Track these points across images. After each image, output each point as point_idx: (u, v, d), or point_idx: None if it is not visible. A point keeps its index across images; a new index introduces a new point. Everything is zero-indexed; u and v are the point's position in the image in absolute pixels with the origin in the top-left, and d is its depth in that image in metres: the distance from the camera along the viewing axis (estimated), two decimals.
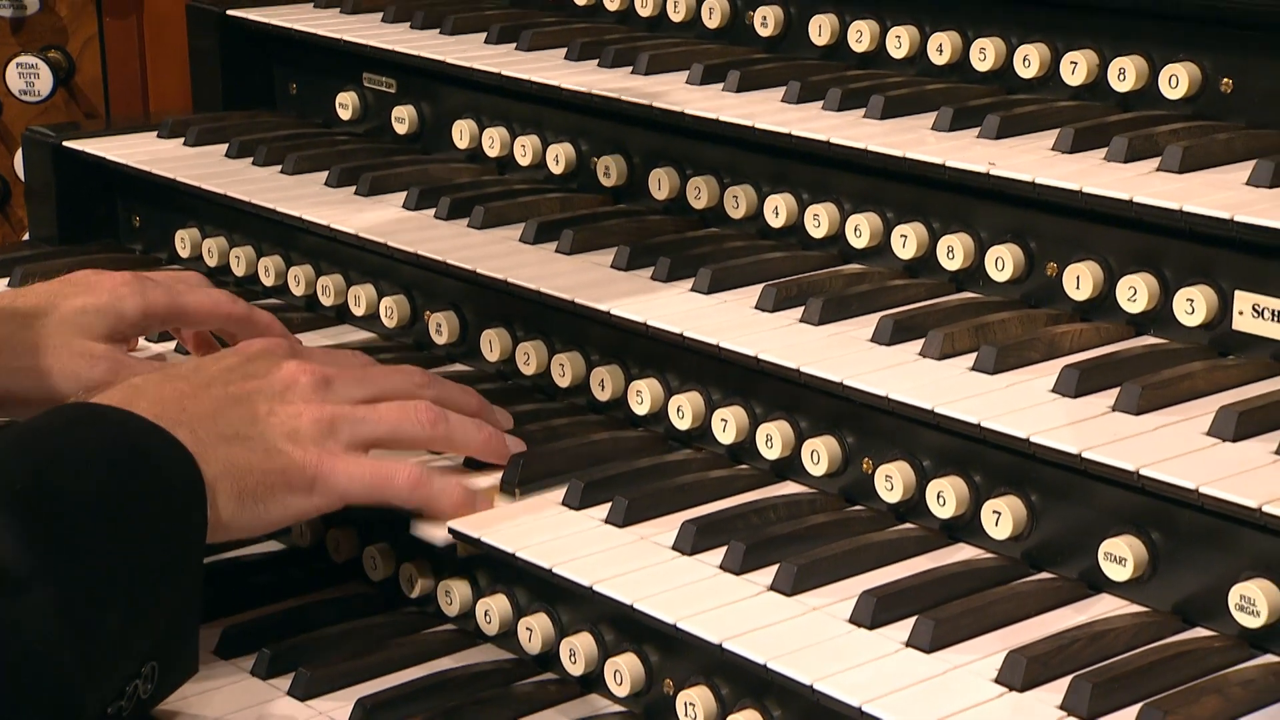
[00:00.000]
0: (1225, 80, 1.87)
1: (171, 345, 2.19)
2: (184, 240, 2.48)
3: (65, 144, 2.57)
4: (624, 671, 1.66)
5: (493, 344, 2.06)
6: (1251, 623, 1.48)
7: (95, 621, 1.45)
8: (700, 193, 2.11)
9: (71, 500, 1.49)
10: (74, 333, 1.88)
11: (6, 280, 2.44)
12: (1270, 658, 1.49)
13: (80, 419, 1.60)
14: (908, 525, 1.72)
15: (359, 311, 2.24)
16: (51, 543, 1.44)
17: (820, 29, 2.19)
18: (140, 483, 1.55)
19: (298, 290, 2.32)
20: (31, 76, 2.81)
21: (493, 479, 1.79)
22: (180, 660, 1.59)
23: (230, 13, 2.68)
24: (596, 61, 2.27)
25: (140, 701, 1.52)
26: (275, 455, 1.65)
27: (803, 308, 1.84)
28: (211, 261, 2.44)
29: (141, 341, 2.19)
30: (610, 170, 2.21)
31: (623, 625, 1.68)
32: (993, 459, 1.65)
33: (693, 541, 1.68)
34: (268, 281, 2.36)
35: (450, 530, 1.73)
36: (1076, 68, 1.96)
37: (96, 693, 1.46)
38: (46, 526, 1.45)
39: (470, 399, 1.84)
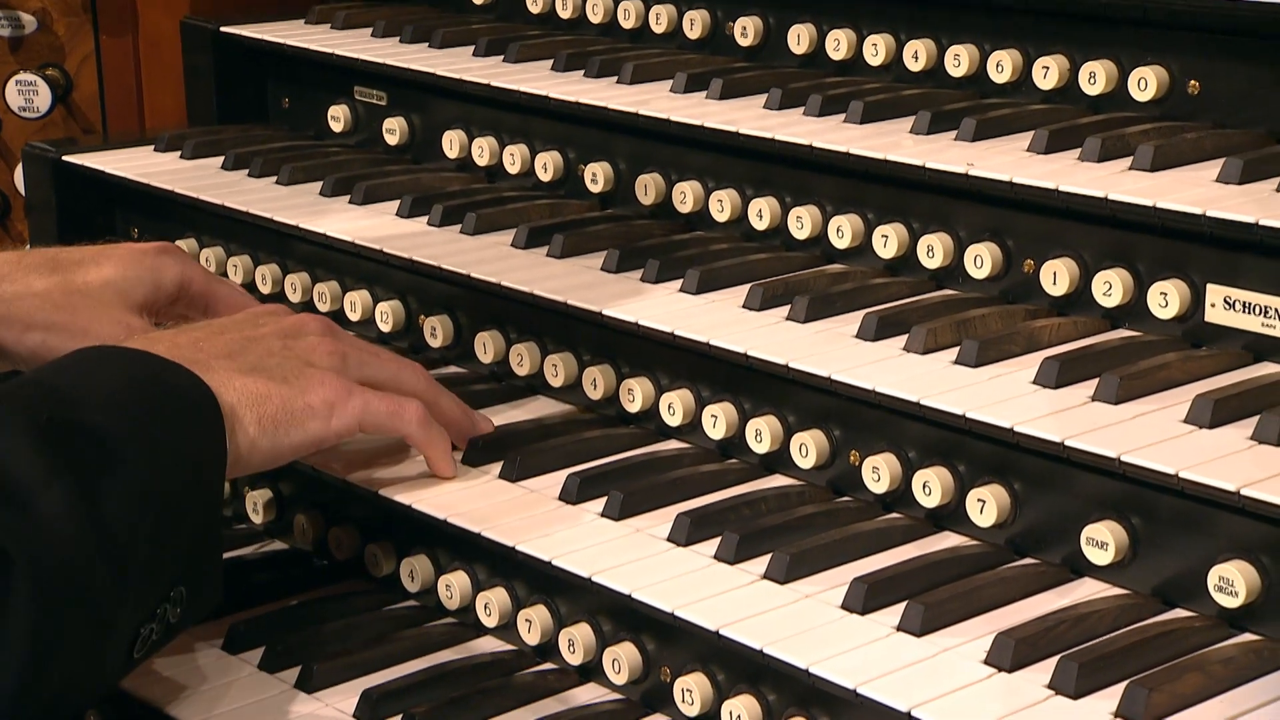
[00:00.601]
0: (1192, 82, 1.88)
1: None
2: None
3: (65, 158, 2.56)
4: (622, 660, 1.66)
5: (487, 346, 2.06)
6: (1230, 603, 1.49)
7: (125, 538, 1.46)
8: (685, 197, 2.11)
9: (95, 427, 1.49)
10: (114, 296, 1.88)
11: None
12: (1249, 636, 1.50)
13: (100, 357, 1.61)
14: (894, 515, 1.72)
15: (355, 317, 2.23)
16: (78, 464, 1.45)
17: (799, 38, 2.19)
18: (160, 409, 1.56)
19: (294, 297, 2.31)
20: (30, 93, 2.80)
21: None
22: (206, 586, 1.60)
23: (224, 29, 2.67)
24: (582, 72, 2.27)
25: (169, 626, 1.54)
26: (294, 381, 1.67)
27: (789, 306, 1.84)
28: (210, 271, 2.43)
29: None
30: (597, 177, 2.21)
31: (620, 615, 1.68)
32: (976, 449, 1.66)
33: (687, 533, 1.68)
34: (265, 289, 2.35)
35: (448, 522, 1.73)
36: (1048, 72, 1.96)
37: (129, 611, 1.48)
38: (72, 449, 1.46)
39: (456, 408, 1.88)
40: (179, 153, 2.56)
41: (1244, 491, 1.44)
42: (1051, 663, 1.44)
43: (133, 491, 1.48)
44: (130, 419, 1.53)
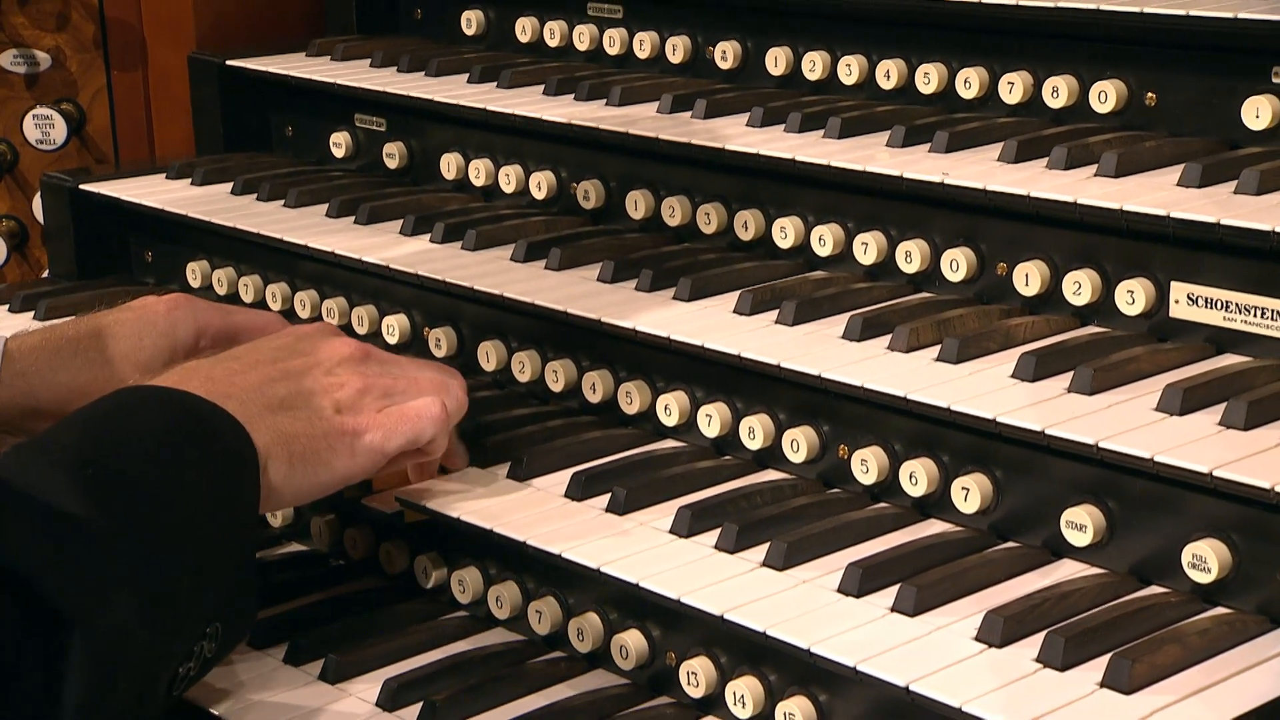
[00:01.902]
0: (1149, 95, 1.89)
1: None
2: (194, 272, 2.46)
3: (81, 187, 2.55)
4: (629, 646, 1.66)
5: (489, 355, 2.06)
6: (1204, 579, 1.49)
7: (169, 586, 1.43)
8: (674, 211, 2.11)
9: (134, 470, 1.47)
10: (133, 368, 1.83)
11: (31, 313, 2.42)
12: (1221, 609, 1.50)
13: (139, 398, 1.58)
14: (883, 504, 1.72)
15: (362, 331, 2.22)
16: (124, 515, 1.42)
17: (776, 60, 2.20)
18: (197, 451, 1.53)
19: (304, 313, 2.31)
20: (47, 127, 2.79)
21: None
22: (240, 619, 1.58)
23: (229, 63, 2.66)
24: (572, 95, 2.27)
25: (205, 661, 1.51)
26: (319, 421, 1.63)
27: (777, 310, 1.84)
28: (221, 291, 2.42)
29: None
30: (589, 194, 2.21)
31: (626, 604, 1.68)
32: (958, 440, 1.66)
33: (689, 525, 1.68)
34: (275, 307, 2.34)
35: (461, 520, 1.72)
36: (1013, 88, 1.97)
37: (172, 653, 1.45)
38: (118, 499, 1.43)
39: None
40: (189, 180, 2.55)
41: (1216, 473, 1.45)
42: (1038, 638, 1.44)
43: (174, 538, 1.45)
44: (168, 463, 1.49)
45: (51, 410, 1.79)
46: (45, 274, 2.71)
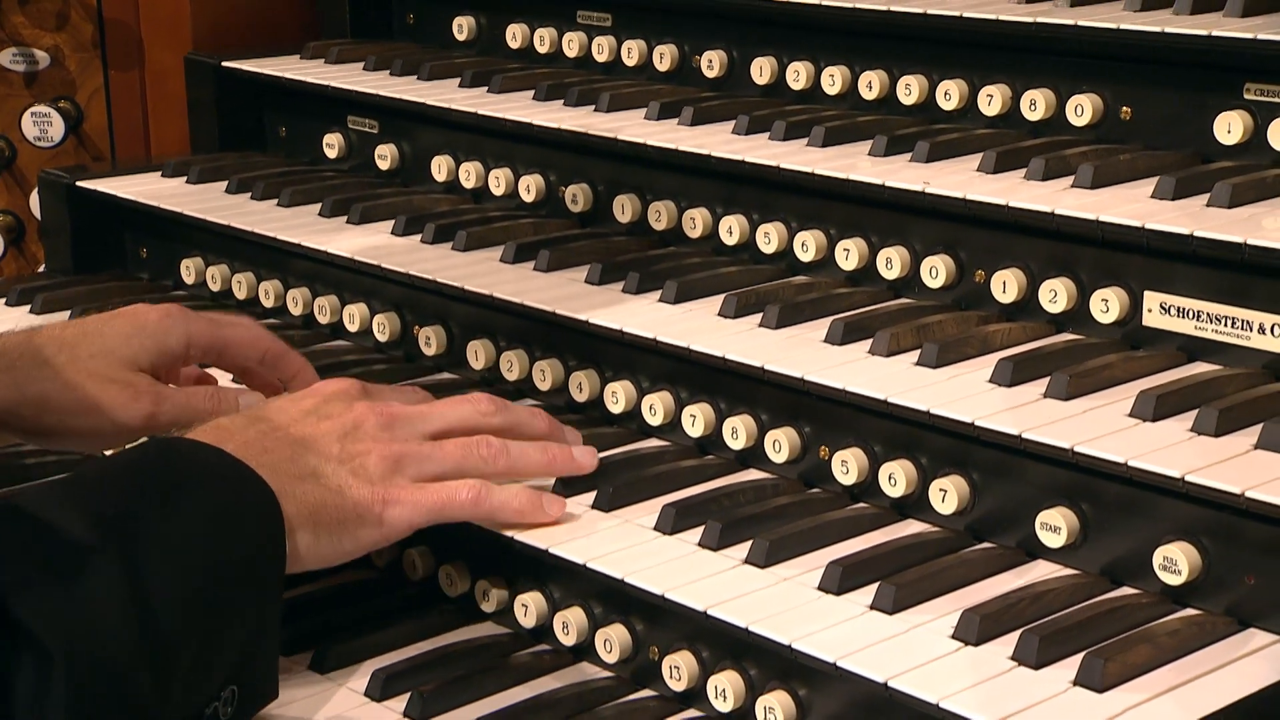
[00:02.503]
0: (1125, 109, 1.89)
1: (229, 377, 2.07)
2: (189, 269, 2.45)
3: (78, 184, 2.54)
4: (613, 641, 1.65)
5: (478, 354, 2.05)
6: (1174, 580, 1.49)
7: (172, 644, 1.38)
8: (660, 216, 2.11)
9: (157, 531, 1.42)
10: (119, 365, 1.80)
11: (28, 307, 2.41)
12: (1191, 610, 1.50)
13: (173, 453, 1.54)
14: (862, 504, 1.72)
15: (353, 328, 2.21)
16: (131, 560, 1.38)
17: (761, 70, 2.20)
18: (225, 517, 1.49)
19: (296, 310, 2.30)
20: (45, 124, 2.77)
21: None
22: (261, 686, 1.53)
23: (225, 64, 2.65)
24: (562, 101, 2.26)
25: None
26: (346, 492, 1.59)
27: (761, 314, 1.84)
28: (215, 287, 2.41)
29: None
30: (577, 198, 2.21)
31: (611, 599, 1.67)
32: (936, 443, 1.66)
33: (673, 522, 1.67)
34: (268, 304, 2.33)
35: None
36: (992, 100, 1.97)
37: (172, 711, 1.39)
38: (127, 545, 1.38)
39: (539, 421, 1.76)
40: (185, 178, 2.54)
41: (1188, 478, 1.45)
42: (1014, 637, 1.44)
43: (184, 594, 1.41)
44: (193, 520, 1.46)
45: (33, 405, 1.78)
46: (41, 269, 2.70)
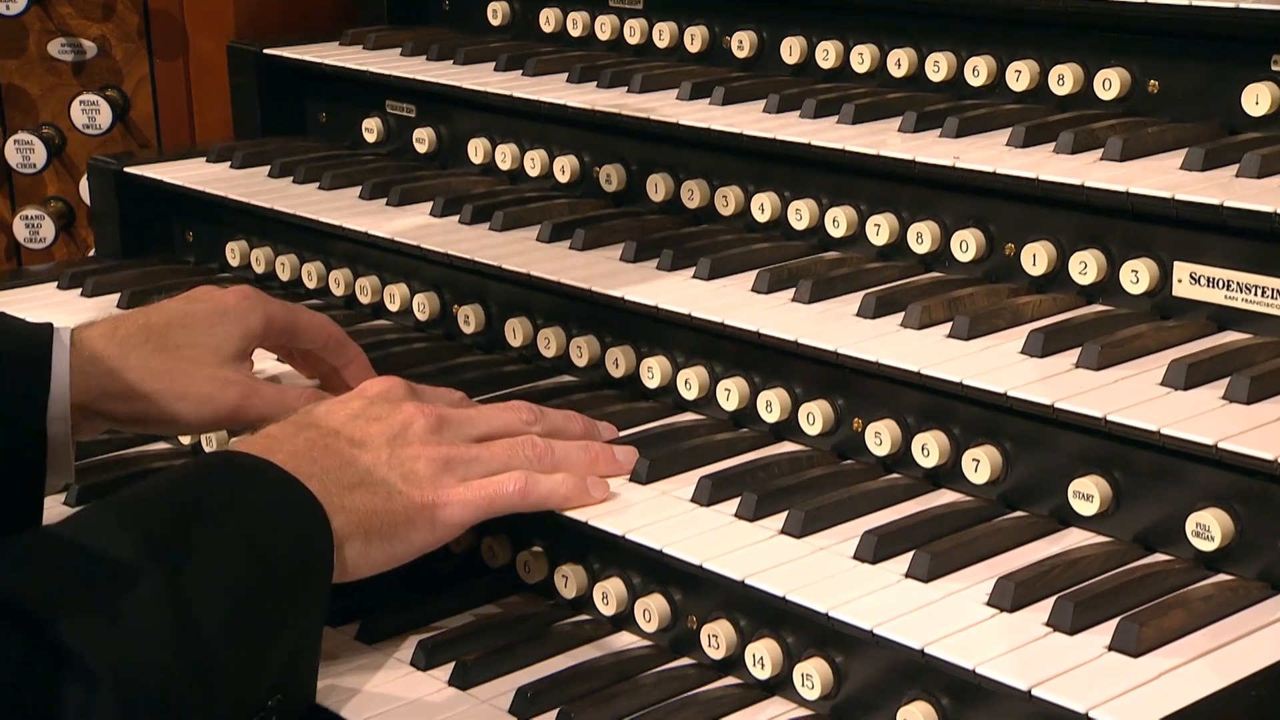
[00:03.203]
0: (1152, 82, 1.86)
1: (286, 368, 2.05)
2: (234, 251, 2.44)
3: (126, 170, 2.52)
4: (652, 610, 1.63)
5: (516, 331, 2.03)
6: (1207, 546, 1.47)
7: (219, 661, 1.36)
8: (693, 194, 2.08)
9: (204, 551, 1.40)
10: (207, 354, 1.78)
11: (79, 290, 2.40)
12: (1224, 576, 1.48)
13: (222, 470, 1.52)
14: (895, 475, 1.69)
15: (394, 308, 2.20)
16: (180, 590, 1.35)
17: (790, 50, 2.17)
18: (273, 534, 1.47)
19: (338, 291, 2.28)
20: (93, 112, 2.77)
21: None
22: (301, 692, 1.51)
23: (266, 51, 2.64)
24: (595, 83, 2.24)
25: None
26: (396, 497, 1.56)
27: (794, 289, 1.82)
28: (259, 269, 2.40)
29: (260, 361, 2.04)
30: (611, 178, 2.18)
31: (649, 569, 1.65)
32: (969, 414, 1.63)
33: (709, 494, 1.65)
34: (311, 285, 2.32)
35: None
36: (1020, 75, 1.94)
37: None
38: (177, 573, 1.36)
39: (574, 424, 1.74)
40: (229, 163, 2.52)
41: (1221, 445, 1.42)
42: (1048, 603, 1.42)
43: (232, 607, 1.38)
44: (243, 537, 1.44)
45: (124, 393, 1.75)
46: (91, 253, 2.69)
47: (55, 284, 2.44)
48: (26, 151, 2.82)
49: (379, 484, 1.57)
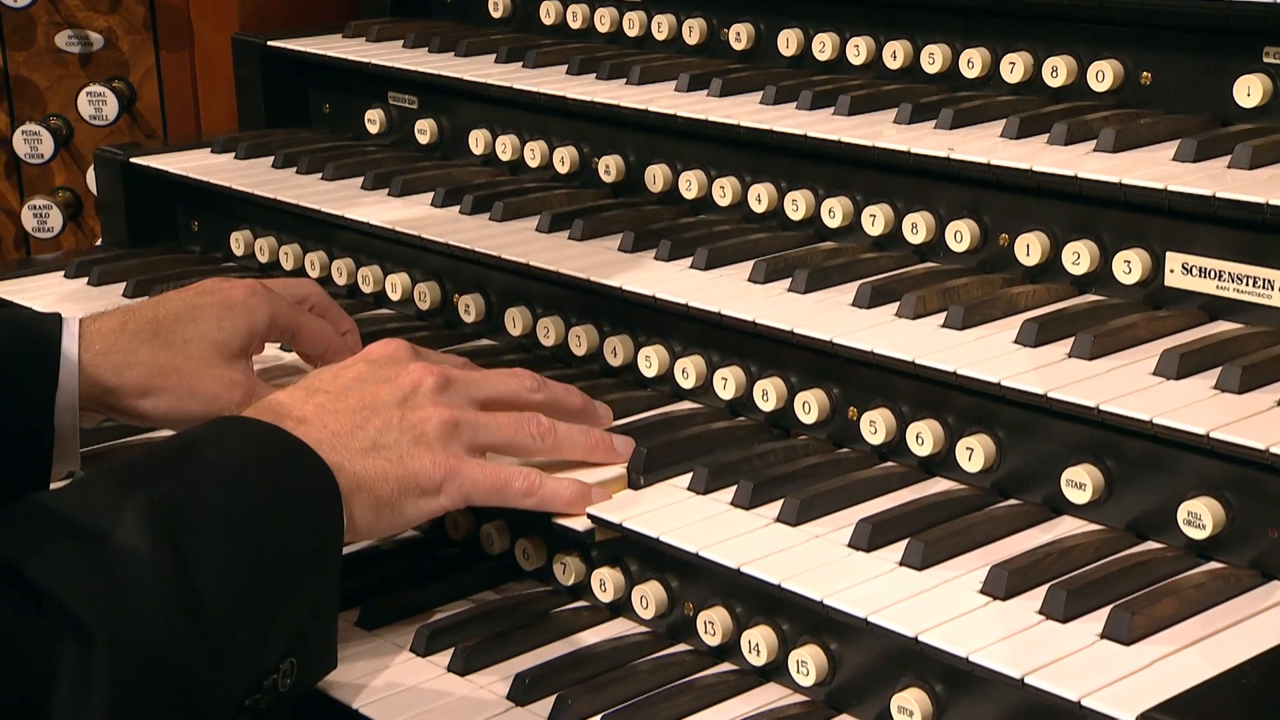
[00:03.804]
0: (1145, 74, 1.83)
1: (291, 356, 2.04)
2: (238, 241, 2.42)
3: (132, 160, 2.50)
4: (649, 597, 1.62)
5: (515, 320, 2.01)
6: (1199, 535, 1.45)
7: (224, 622, 1.34)
8: (690, 185, 2.06)
9: (207, 512, 1.38)
10: (213, 352, 1.76)
11: (85, 279, 2.38)
12: (1215, 564, 1.46)
13: (232, 432, 1.50)
14: (890, 463, 1.67)
15: (395, 297, 2.18)
16: (181, 550, 1.33)
17: (787, 41, 2.14)
18: (279, 495, 1.44)
19: (340, 280, 2.26)
20: (100, 103, 2.74)
21: (603, 474, 1.66)
22: (319, 658, 1.49)
23: (270, 44, 2.61)
24: (594, 75, 2.21)
25: (278, 694, 1.42)
26: (407, 461, 1.54)
27: (789, 279, 1.79)
28: (263, 259, 2.38)
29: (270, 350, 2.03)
30: (610, 168, 2.16)
31: (646, 557, 1.63)
32: (963, 402, 1.61)
33: (706, 483, 1.63)
34: (313, 274, 2.30)
35: None
36: (1014, 67, 1.91)
37: (226, 687, 1.35)
38: (178, 534, 1.34)
39: (574, 398, 1.71)
40: (233, 154, 2.50)
41: (1212, 434, 1.40)
42: (1041, 591, 1.40)
43: (236, 572, 1.36)
44: (248, 500, 1.41)
45: (132, 388, 1.74)
46: (99, 242, 2.67)
47: (62, 273, 2.42)
48: (34, 142, 2.79)
49: (390, 448, 1.55)
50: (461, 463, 1.57)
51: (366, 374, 1.61)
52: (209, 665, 1.33)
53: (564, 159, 2.21)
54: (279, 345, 2.04)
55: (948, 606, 1.40)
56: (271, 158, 2.45)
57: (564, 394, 1.72)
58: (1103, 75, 1.84)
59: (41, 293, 2.33)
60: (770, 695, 1.52)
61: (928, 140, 1.80)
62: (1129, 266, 1.66)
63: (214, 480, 1.42)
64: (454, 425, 1.58)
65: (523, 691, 1.52)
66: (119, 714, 1.24)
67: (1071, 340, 1.58)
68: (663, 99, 2.07)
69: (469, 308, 2.07)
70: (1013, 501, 1.59)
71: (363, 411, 1.56)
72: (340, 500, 1.49)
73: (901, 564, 1.47)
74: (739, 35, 2.20)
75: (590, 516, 1.60)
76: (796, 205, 1.94)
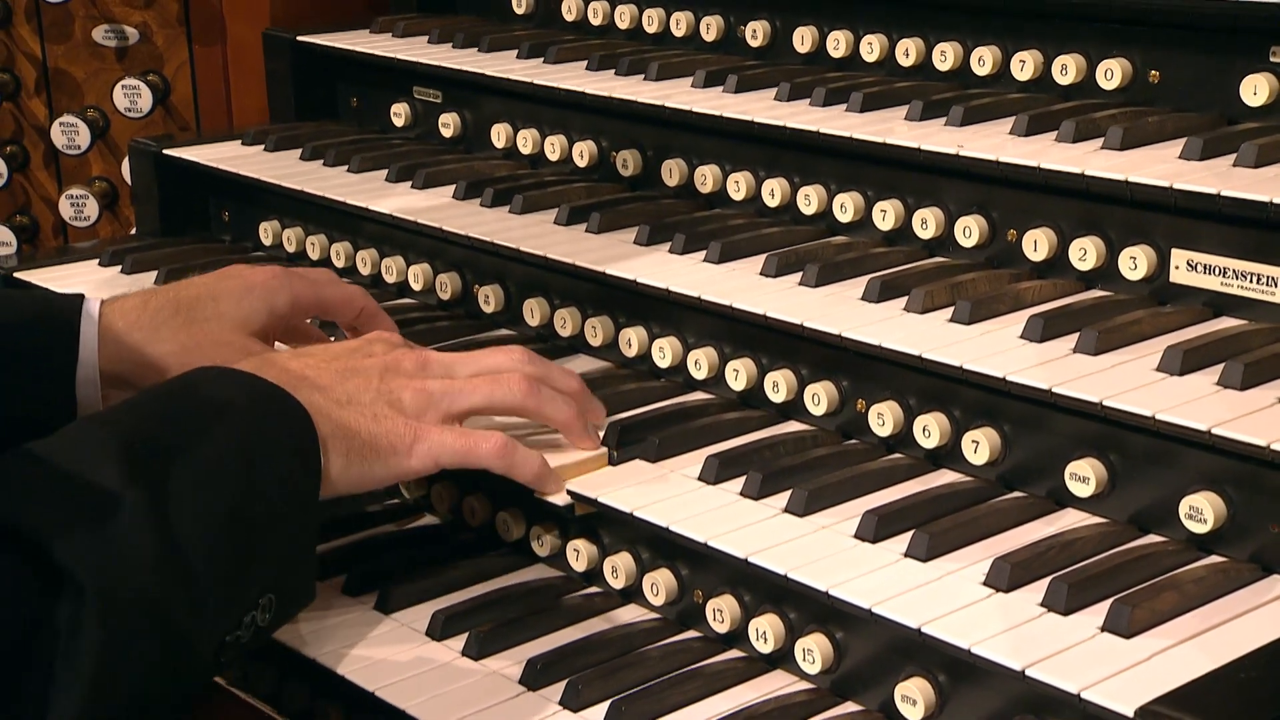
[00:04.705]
0: (1153, 72, 1.80)
1: None
2: (266, 231, 2.40)
3: (165, 152, 2.49)
4: (660, 584, 1.60)
5: (533, 311, 1.99)
6: (1200, 529, 1.42)
7: (204, 565, 1.33)
8: (706, 179, 2.03)
9: (188, 458, 1.37)
10: (233, 329, 1.76)
11: (119, 267, 2.37)
12: (1216, 558, 1.43)
13: (209, 376, 1.50)
14: (897, 455, 1.65)
15: (417, 287, 2.16)
16: (160, 486, 1.33)
17: (802, 39, 2.11)
18: (258, 439, 1.44)
19: (364, 270, 2.24)
20: (135, 96, 2.73)
21: (575, 456, 1.65)
22: (298, 592, 1.49)
23: (300, 39, 2.59)
24: (613, 71, 2.19)
25: (258, 630, 1.42)
26: (380, 420, 1.54)
27: (801, 273, 1.77)
28: (290, 249, 2.36)
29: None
30: (628, 163, 2.14)
31: (658, 545, 1.62)
32: (969, 396, 1.59)
33: (715, 472, 1.61)
34: (339, 264, 2.28)
35: None
36: (1025, 65, 1.88)
37: (208, 625, 1.35)
38: (160, 481, 1.33)
39: (571, 380, 1.70)
40: (263, 146, 2.49)
41: (1214, 430, 1.37)
42: (1043, 584, 1.37)
43: (218, 513, 1.35)
44: (228, 441, 1.40)
45: (153, 364, 1.73)
46: (133, 231, 2.66)
47: (97, 261, 2.41)
48: (72, 134, 2.79)
49: (366, 405, 1.55)
50: (432, 428, 1.56)
51: (355, 348, 1.63)
52: (192, 608, 1.32)
53: (583, 153, 2.19)
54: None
55: (951, 598, 1.38)
56: (300, 150, 2.44)
57: (560, 374, 1.70)
58: (1111, 73, 1.81)
59: (77, 280, 2.32)
60: (777, 682, 1.50)
61: (938, 137, 1.77)
62: (1134, 263, 1.63)
63: (195, 425, 1.41)
64: (429, 394, 1.58)
65: (535, 676, 1.50)
66: (107, 662, 1.24)
67: (1077, 335, 1.55)
68: (679, 95, 2.05)
69: (489, 298, 2.05)
70: (1017, 494, 1.56)
71: (344, 373, 1.57)
72: (318, 442, 1.49)
73: (906, 555, 1.45)
74: (755, 32, 2.18)
75: (601, 504, 1.58)
76: (809, 200, 1.91)
